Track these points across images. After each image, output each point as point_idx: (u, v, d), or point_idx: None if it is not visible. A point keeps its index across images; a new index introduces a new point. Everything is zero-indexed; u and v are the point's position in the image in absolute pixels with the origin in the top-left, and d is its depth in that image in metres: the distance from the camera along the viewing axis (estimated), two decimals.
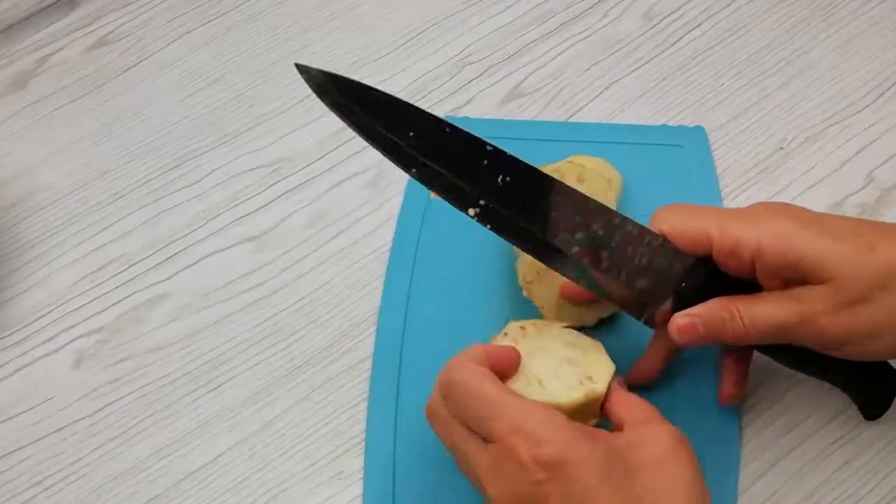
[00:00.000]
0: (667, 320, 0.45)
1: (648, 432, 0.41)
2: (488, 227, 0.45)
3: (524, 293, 0.53)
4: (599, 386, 0.44)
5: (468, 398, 0.42)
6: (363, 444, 0.53)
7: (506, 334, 0.47)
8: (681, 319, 0.44)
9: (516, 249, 0.51)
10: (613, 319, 0.54)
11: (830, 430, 0.51)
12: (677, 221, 0.45)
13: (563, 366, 0.45)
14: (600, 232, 0.45)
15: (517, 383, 0.44)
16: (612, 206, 0.53)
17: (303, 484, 0.52)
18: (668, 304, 0.45)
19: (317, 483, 0.52)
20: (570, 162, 0.55)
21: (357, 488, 0.52)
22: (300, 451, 0.53)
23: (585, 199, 0.46)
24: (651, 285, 0.45)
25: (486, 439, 0.41)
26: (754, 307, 0.43)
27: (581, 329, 0.49)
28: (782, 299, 0.43)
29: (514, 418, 0.40)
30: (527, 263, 0.53)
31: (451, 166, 0.45)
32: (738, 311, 0.44)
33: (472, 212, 0.45)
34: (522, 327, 0.48)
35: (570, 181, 0.53)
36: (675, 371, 0.52)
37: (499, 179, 0.45)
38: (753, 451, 0.51)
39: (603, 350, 0.47)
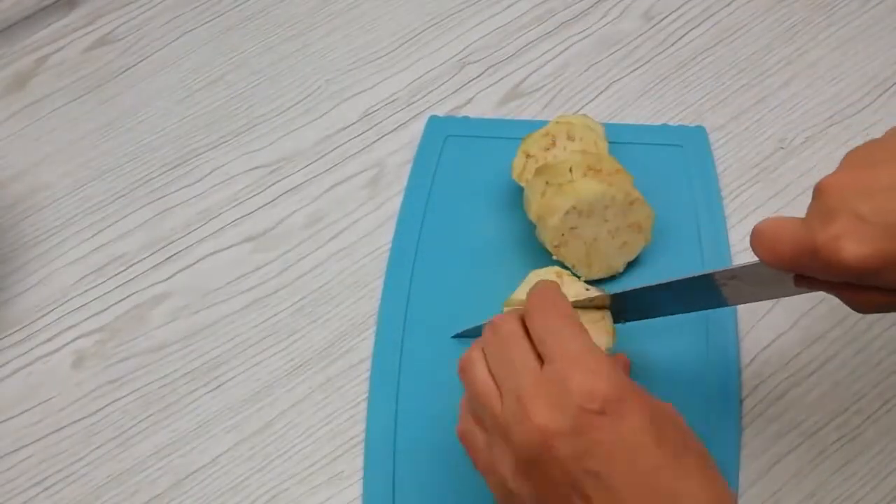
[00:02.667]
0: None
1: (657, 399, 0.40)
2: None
3: (554, 256, 0.55)
4: None
5: (554, 311, 0.41)
6: (363, 444, 0.53)
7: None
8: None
9: (537, 220, 0.55)
10: (639, 262, 0.56)
11: (831, 430, 0.51)
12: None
13: None
14: None
15: None
16: (605, 152, 0.57)
17: (303, 484, 0.52)
18: None
19: (317, 483, 0.52)
20: (558, 122, 0.58)
21: (357, 488, 0.52)
22: (300, 451, 0.53)
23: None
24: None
25: (544, 359, 0.39)
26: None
27: (611, 278, 0.55)
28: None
29: (586, 345, 0.39)
30: (551, 230, 0.54)
31: None
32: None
33: None
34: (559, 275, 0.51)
35: (562, 139, 0.57)
36: (675, 371, 0.52)
37: None
38: (753, 452, 0.51)
39: (606, 323, 0.49)
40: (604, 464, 0.36)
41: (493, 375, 0.40)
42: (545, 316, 0.41)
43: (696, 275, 0.46)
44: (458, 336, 0.55)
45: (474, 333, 0.50)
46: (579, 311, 0.50)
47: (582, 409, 0.36)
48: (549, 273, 0.52)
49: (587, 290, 0.51)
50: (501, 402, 0.39)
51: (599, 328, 0.50)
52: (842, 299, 0.41)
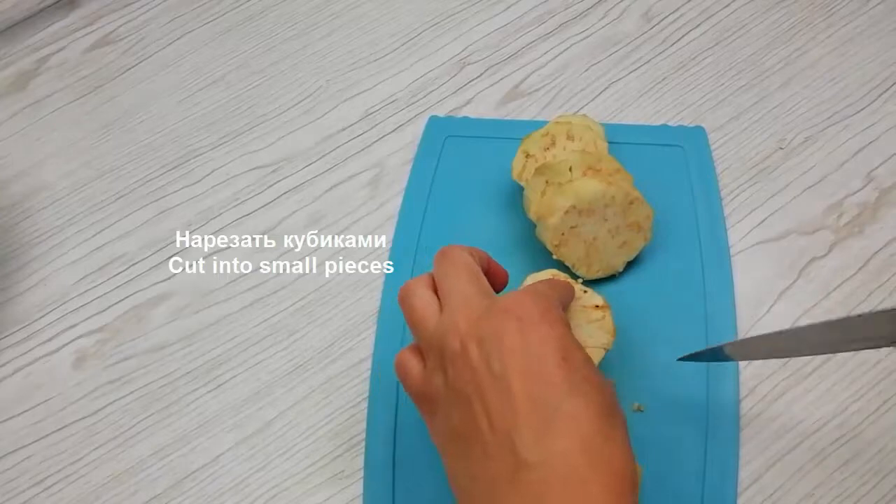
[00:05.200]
0: None
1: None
2: None
3: (554, 256, 0.55)
4: None
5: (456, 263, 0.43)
6: (363, 444, 0.53)
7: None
8: None
9: (537, 220, 0.55)
10: (638, 261, 0.56)
11: (830, 430, 0.51)
12: None
13: None
14: None
15: None
16: (604, 152, 0.57)
17: (303, 484, 0.52)
18: None
19: (317, 483, 0.52)
20: (557, 122, 0.58)
21: (357, 488, 0.52)
22: (300, 451, 0.53)
23: None
24: None
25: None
26: None
27: (611, 277, 0.56)
28: None
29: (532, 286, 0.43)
30: (551, 230, 0.54)
31: None
32: None
33: None
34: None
35: (562, 139, 0.58)
36: (675, 371, 0.52)
37: None
38: (753, 451, 0.51)
39: (606, 322, 0.50)
40: (505, 366, 0.38)
41: (438, 294, 0.43)
42: (442, 264, 0.44)
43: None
44: (685, 359, 0.49)
45: (706, 357, 0.49)
46: (580, 310, 0.50)
47: (503, 315, 0.39)
48: (545, 275, 0.52)
49: (585, 291, 0.51)
50: (440, 318, 0.41)
51: (599, 327, 0.50)
52: None
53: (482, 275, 0.44)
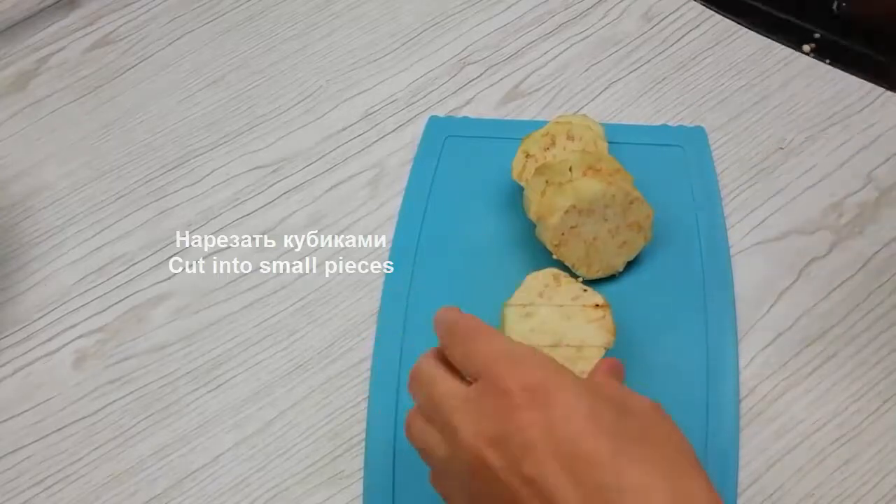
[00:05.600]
0: None
1: (631, 392, 0.37)
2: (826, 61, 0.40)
3: (554, 256, 0.55)
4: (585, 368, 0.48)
5: (462, 332, 0.39)
6: (363, 444, 0.53)
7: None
8: None
9: (537, 220, 0.55)
10: (638, 261, 0.56)
11: (830, 430, 0.51)
12: None
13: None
14: None
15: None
16: (604, 152, 0.57)
17: (303, 484, 0.52)
18: None
19: (317, 483, 0.52)
20: (557, 122, 0.58)
21: (357, 488, 0.52)
22: (300, 451, 0.53)
23: None
24: None
25: (469, 378, 0.38)
26: None
27: (611, 277, 0.55)
28: None
29: (502, 345, 0.37)
30: (551, 230, 0.54)
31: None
32: None
33: (807, 48, 0.42)
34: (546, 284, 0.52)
35: (562, 139, 0.58)
36: (675, 371, 0.52)
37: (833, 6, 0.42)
38: (753, 451, 0.51)
39: (607, 321, 0.50)
40: (537, 465, 0.33)
41: (427, 422, 0.39)
42: (456, 342, 0.39)
43: None
44: None
45: None
46: (580, 309, 0.50)
47: (507, 410, 0.34)
48: (546, 275, 0.52)
49: (584, 290, 0.51)
50: (443, 444, 0.37)
51: (600, 326, 0.50)
52: None
53: (456, 379, 0.39)
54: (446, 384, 0.38)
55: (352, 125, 0.67)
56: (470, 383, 0.38)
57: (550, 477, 0.32)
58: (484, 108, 0.67)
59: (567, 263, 0.55)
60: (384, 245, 0.60)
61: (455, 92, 0.68)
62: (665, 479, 0.32)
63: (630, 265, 0.56)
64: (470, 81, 0.69)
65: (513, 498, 0.33)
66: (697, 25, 0.70)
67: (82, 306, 0.60)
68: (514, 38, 0.71)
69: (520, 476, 0.33)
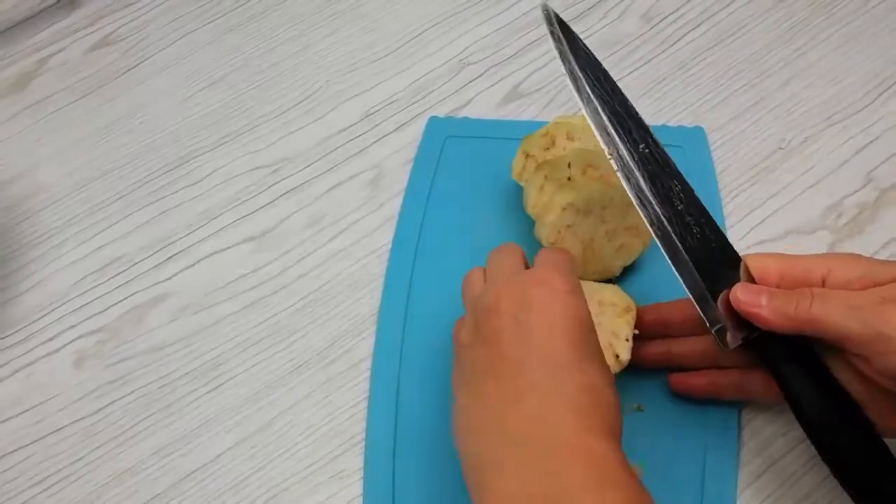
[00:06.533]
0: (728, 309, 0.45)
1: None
2: (619, 174, 0.48)
3: None
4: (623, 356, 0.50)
5: (549, 252, 0.48)
6: (363, 443, 0.53)
7: None
8: (744, 286, 0.45)
9: (535, 217, 0.56)
10: (635, 267, 0.56)
11: None
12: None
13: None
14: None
15: None
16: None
17: (303, 483, 0.52)
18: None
19: (317, 482, 0.52)
20: (557, 122, 0.58)
21: (357, 488, 0.52)
22: (300, 451, 0.53)
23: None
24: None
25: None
26: (832, 301, 0.42)
27: (607, 281, 0.55)
28: (868, 312, 0.41)
29: (566, 261, 0.47)
30: (548, 227, 0.54)
31: (611, 117, 0.49)
32: (813, 294, 0.43)
33: (611, 154, 0.48)
34: None
35: (562, 139, 0.57)
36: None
37: (640, 147, 0.48)
38: (752, 452, 0.51)
39: (630, 316, 0.51)
40: (530, 319, 0.42)
41: (485, 276, 0.48)
42: (544, 253, 0.48)
43: None
44: None
45: None
46: (609, 306, 0.51)
47: (537, 282, 0.44)
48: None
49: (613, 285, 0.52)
50: (484, 285, 0.47)
51: (627, 322, 0.50)
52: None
53: (524, 259, 0.48)
54: (514, 260, 0.47)
55: (352, 125, 0.67)
56: None
57: (533, 327, 0.42)
58: (484, 108, 0.67)
59: None
60: (384, 245, 0.61)
61: (455, 92, 0.68)
62: (605, 382, 0.42)
63: (627, 269, 0.56)
64: (470, 82, 0.69)
65: (500, 326, 0.43)
66: (697, 25, 0.70)
67: (82, 307, 0.60)
68: (514, 38, 0.71)
69: (513, 314, 0.43)
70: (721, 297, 0.45)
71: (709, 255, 0.46)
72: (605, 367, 0.43)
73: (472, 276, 0.49)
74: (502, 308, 0.43)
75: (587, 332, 0.43)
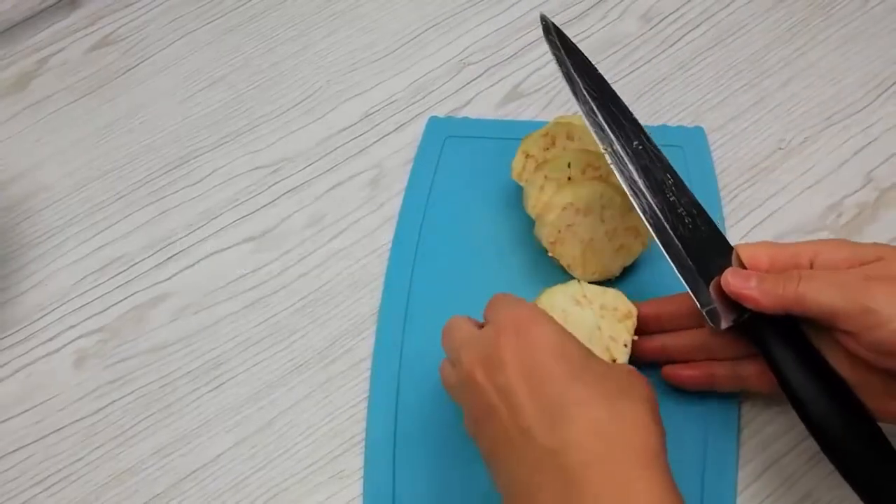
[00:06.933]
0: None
1: None
2: (613, 167, 0.50)
3: (549, 254, 0.55)
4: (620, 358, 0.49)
5: (496, 297, 0.46)
6: (363, 443, 0.53)
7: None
8: (734, 271, 0.46)
9: (535, 217, 0.55)
10: (634, 268, 0.56)
11: None
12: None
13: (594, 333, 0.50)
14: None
15: None
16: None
17: (303, 483, 0.52)
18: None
19: (317, 482, 0.52)
20: (557, 123, 0.58)
21: (357, 488, 0.52)
22: (300, 451, 0.53)
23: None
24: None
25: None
26: (819, 279, 0.43)
27: (607, 282, 0.55)
28: (854, 288, 0.42)
29: (516, 302, 0.45)
30: (548, 226, 0.54)
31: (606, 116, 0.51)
32: (801, 275, 0.44)
33: (606, 149, 0.50)
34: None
35: (562, 139, 0.57)
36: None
37: (634, 144, 0.50)
38: (752, 451, 0.51)
39: (631, 322, 0.51)
40: (506, 378, 0.40)
41: (451, 362, 0.46)
42: (488, 305, 0.46)
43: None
44: None
45: None
46: (610, 312, 0.51)
47: (495, 336, 0.42)
48: (566, 290, 0.51)
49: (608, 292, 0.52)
50: (454, 373, 0.45)
51: (626, 328, 0.50)
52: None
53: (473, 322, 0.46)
54: (463, 329, 0.45)
55: (352, 125, 0.67)
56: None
57: (514, 387, 0.40)
58: (484, 108, 0.67)
59: (563, 263, 0.55)
60: (384, 245, 0.61)
61: (455, 92, 0.68)
62: (606, 399, 0.40)
63: (627, 270, 0.56)
64: (470, 82, 0.69)
65: (490, 403, 0.41)
66: (697, 25, 0.70)
67: (83, 306, 0.60)
68: (514, 38, 0.71)
69: (494, 385, 0.41)
70: (713, 283, 0.46)
71: (701, 244, 0.48)
72: (610, 376, 0.41)
73: (452, 330, 0.47)
74: (478, 379, 0.42)
75: (572, 354, 0.41)
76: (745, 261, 0.47)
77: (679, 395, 0.52)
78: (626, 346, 0.49)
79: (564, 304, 0.50)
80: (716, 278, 0.46)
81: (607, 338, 0.49)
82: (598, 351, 0.49)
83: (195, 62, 0.72)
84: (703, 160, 0.62)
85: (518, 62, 0.69)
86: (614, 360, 0.49)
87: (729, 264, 0.47)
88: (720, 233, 0.48)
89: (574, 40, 0.69)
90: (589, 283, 0.55)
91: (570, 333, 0.42)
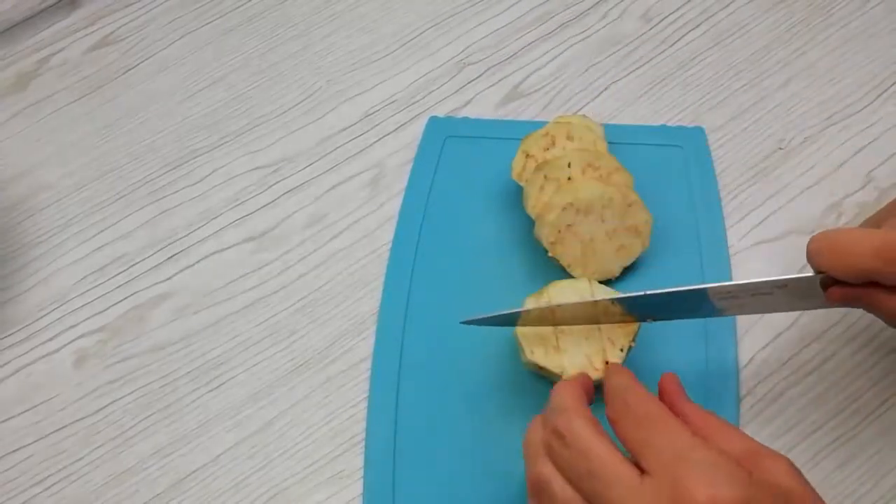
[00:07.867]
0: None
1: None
2: None
3: (549, 254, 0.55)
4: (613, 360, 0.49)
5: (637, 412, 0.37)
6: (363, 443, 0.53)
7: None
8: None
9: (535, 217, 0.56)
10: (634, 267, 0.56)
11: (829, 430, 0.51)
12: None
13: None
14: None
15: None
16: (604, 151, 0.57)
17: (303, 483, 0.52)
18: None
19: (317, 482, 0.52)
20: (557, 123, 0.58)
21: (357, 488, 0.52)
22: (300, 451, 0.53)
23: None
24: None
25: (642, 467, 0.35)
26: None
27: (607, 282, 0.55)
28: None
29: (687, 442, 0.35)
30: (548, 226, 0.54)
31: None
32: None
33: None
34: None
35: (562, 139, 0.58)
36: (674, 371, 0.52)
37: None
38: None
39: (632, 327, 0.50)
40: None
41: (575, 489, 0.36)
42: (630, 424, 0.37)
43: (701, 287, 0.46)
44: (467, 322, 0.50)
45: (487, 322, 0.49)
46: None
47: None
48: (576, 284, 0.51)
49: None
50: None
51: (625, 333, 0.50)
52: (880, 311, 0.43)
53: (618, 454, 0.36)
54: (615, 466, 0.35)
55: (352, 125, 0.67)
56: (635, 464, 0.36)
57: None
58: (484, 108, 0.67)
59: (563, 263, 0.55)
60: (384, 245, 0.61)
61: (455, 92, 0.68)
62: None
63: (627, 269, 0.56)
64: (470, 82, 0.69)
65: None
66: (697, 25, 0.70)
67: (83, 306, 0.60)
68: (514, 38, 0.71)
69: None
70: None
71: None
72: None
73: (553, 488, 0.37)
74: None
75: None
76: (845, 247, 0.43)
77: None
78: (622, 350, 0.49)
79: (571, 298, 0.50)
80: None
81: (605, 339, 0.49)
82: (593, 350, 0.49)
83: (195, 62, 0.72)
84: (703, 160, 0.62)
85: (518, 62, 0.69)
86: (607, 362, 0.49)
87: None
88: None
89: (574, 40, 0.70)
90: None
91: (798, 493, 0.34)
